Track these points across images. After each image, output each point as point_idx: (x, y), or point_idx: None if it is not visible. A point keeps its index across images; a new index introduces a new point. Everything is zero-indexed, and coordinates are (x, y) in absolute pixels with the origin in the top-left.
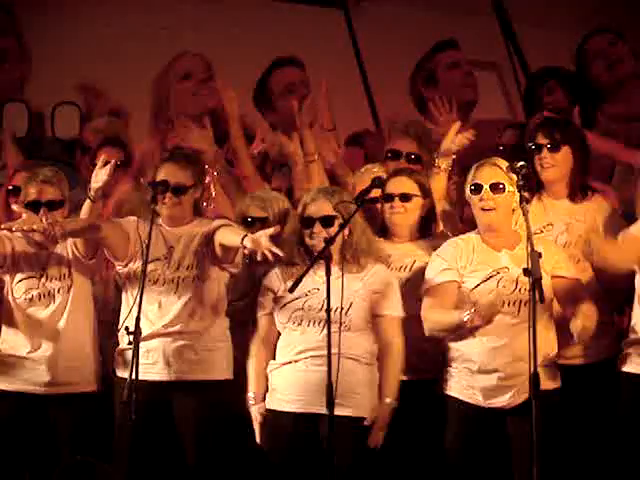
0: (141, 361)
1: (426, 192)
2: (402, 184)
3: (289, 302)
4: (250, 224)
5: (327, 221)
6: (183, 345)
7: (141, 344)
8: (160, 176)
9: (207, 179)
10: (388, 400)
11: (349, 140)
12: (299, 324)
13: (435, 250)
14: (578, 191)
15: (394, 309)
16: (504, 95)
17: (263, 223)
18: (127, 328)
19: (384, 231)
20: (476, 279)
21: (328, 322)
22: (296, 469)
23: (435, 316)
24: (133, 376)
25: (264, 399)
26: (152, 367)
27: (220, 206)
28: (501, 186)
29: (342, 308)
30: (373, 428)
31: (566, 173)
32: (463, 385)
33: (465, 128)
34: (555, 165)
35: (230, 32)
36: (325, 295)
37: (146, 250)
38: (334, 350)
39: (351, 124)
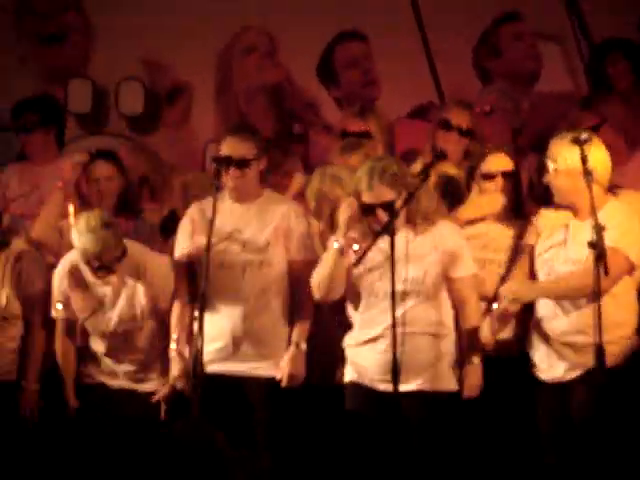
0: None
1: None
2: (502, 161)
3: (364, 273)
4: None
5: (389, 206)
6: None
7: None
8: (223, 151)
9: None
10: (473, 362)
11: (412, 113)
12: (376, 296)
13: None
14: None
15: (466, 269)
16: (568, 67)
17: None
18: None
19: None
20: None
21: (392, 298)
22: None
23: None
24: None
25: None
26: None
27: None
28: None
29: (415, 278)
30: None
31: None
32: None
33: None
34: None
35: (294, 5)
36: (401, 265)
37: (210, 226)
38: (408, 328)
39: (414, 97)
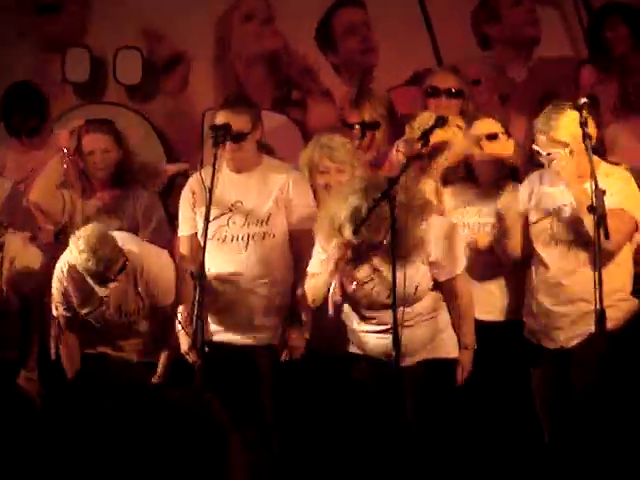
0: None
1: (508, 132)
2: (489, 125)
3: (356, 287)
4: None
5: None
6: None
7: None
8: (219, 121)
9: None
10: (467, 349)
11: (411, 79)
12: (368, 308)
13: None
14: None
15: (454, 270)
16: (567, 32)
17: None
18: (192, 273)
19: (470, 175)
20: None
21: (394, 283)
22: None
23: None
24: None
25: None
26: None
27: None
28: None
29: (408, 294)
30: (457, 373)
31: None
32: None
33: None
34: None
35: None
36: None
37: (209, 195)
38: (405, 323)
39: (413, 64)
